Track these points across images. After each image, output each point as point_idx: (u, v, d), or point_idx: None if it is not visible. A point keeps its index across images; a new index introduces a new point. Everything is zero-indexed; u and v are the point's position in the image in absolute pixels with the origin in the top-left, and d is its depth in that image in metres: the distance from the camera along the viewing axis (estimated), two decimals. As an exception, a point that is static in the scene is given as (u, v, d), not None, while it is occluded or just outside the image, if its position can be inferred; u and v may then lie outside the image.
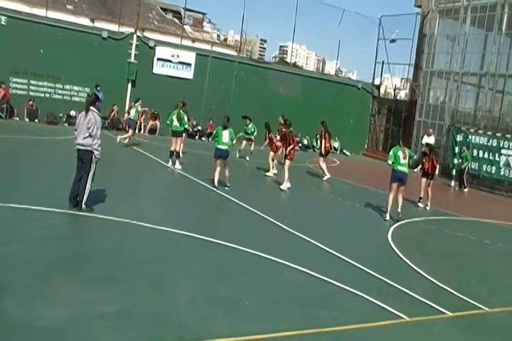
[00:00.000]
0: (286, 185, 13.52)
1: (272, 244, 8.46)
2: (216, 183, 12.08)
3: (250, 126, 18.70)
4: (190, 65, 24.67)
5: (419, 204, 14.03)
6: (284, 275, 6.93)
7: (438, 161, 14.28)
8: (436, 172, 13.92)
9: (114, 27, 24.48)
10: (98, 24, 27.72)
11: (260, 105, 23.88)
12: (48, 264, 6.19)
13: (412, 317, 5.98)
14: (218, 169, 12.21)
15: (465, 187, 19.16)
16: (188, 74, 24.68)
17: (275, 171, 15.86)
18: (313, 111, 24.74)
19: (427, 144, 14.66)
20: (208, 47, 28.50)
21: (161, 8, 37.86)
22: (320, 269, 7.08)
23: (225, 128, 12.23)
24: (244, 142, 18.93)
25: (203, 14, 41.60)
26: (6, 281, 5.48)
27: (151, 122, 23.21)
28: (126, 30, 23.98)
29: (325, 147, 16.84)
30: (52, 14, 23.38)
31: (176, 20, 37.12)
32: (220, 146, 12.15)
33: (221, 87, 24.98)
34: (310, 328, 5.31)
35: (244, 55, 34.11)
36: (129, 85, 23.30)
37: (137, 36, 23.49)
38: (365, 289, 6.57)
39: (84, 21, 27.60)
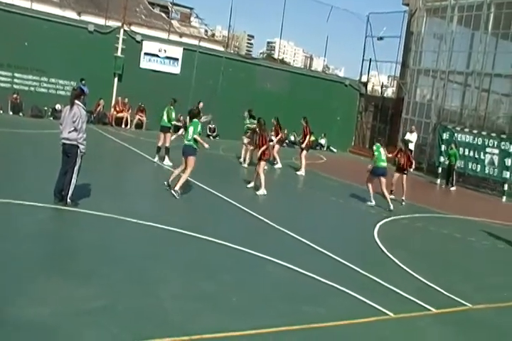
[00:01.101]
0: (263, 191, 12.32)
1: (258, 240, 8.46)
2: (169, 181, 10.89)
3: (249, 121, 16.10)
4: (177, 59, 24.49)
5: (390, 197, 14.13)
6: (270, 271, 6.92)
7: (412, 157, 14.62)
8: (412, 167, 14.15)
9: (100, 21, 24.15)
10: (84, 17, 27.34)
11: (247, 101, 23.78)
12: (33, 260, 6.11)
13: (397, 313, 6.01)
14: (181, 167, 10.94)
15: (452, 186, 19.21)
16: (175, 69, 24.51)
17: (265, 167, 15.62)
18: (300, 107, 24.67)
19: (403, 140, 14.86)
20: (195, 42, 28.23)
21: (149, 3, 37.53)
22: (306, 265, 7.08)
23: (191, 119, 10.97)
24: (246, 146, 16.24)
25: (191, 9, 41.38)
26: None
27: (137, 116, 23.05)
28: (113, 24, 23.69)
29: (308, 141, 16.98)
30: (38, 6, 22.96)
31: (164, 14, 36.83)
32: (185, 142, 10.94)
33: (208, 82, 24.82)
34: (296, 324, 5.31)
35: (232, 51, 33.90)
36: (116, 79, 23.07)
37: (124, 30, 23.24)
38: (351, 286, 6.59)
39: (71, 14, 27.20)
